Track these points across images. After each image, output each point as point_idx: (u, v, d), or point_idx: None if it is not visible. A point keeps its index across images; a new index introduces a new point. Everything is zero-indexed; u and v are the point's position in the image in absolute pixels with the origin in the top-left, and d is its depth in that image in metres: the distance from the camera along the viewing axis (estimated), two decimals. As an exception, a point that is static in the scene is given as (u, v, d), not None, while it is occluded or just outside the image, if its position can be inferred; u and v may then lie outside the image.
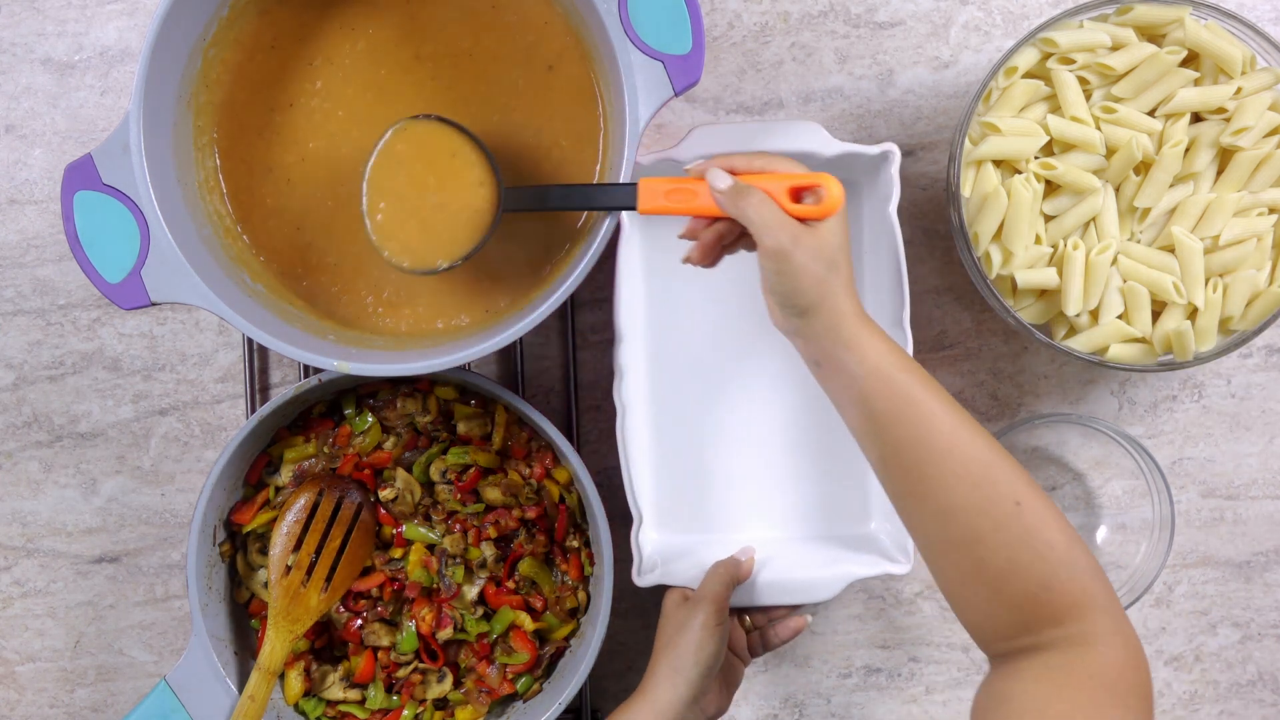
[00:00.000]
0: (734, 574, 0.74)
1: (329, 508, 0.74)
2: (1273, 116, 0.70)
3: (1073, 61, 0.71)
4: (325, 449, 0.76)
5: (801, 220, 0.61)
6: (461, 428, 0.75)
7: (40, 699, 0.84)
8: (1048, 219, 0.73)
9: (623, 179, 0.65)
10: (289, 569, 0.73)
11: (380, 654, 0.75)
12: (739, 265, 0.82)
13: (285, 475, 0.76)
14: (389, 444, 0.76)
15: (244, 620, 0.77)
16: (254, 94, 0.71)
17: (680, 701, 0.69)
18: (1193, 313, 0.72)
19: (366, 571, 0.76)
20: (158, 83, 0.66)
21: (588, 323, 0.82)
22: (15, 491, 0.83)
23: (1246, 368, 0.82)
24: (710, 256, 0.66)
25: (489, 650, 0.76)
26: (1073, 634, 0.56)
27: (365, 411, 0.76)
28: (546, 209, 0.67)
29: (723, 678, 0.74)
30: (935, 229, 0.81)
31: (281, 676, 0.75)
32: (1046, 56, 0.72)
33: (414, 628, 0.75)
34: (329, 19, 0.71)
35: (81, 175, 0.65)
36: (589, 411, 0.82)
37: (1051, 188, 0.73)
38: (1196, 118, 0.72)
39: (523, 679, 0.76)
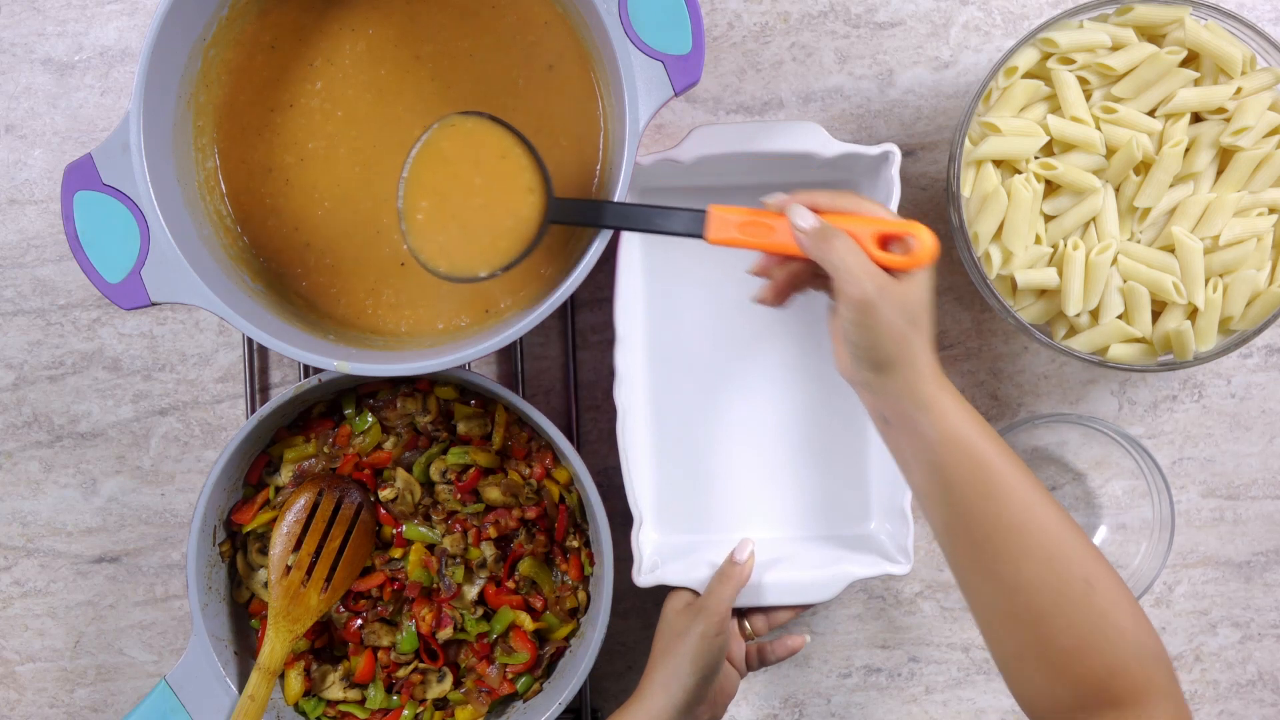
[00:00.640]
0: (739, 584, 0.73)
1: (329, 508, 0.74)
2: (1273, 116, 0.70)
3: (1073, 61, 0.71)
4: (325, 449, 0.76)
5: (887, 269, 0.58)
6: (461, 428, 0.75)
7: (40, 699, 0.84)
8: (1048, 219, 0.73)
9: (622, 179, 0.65)
10: (289, 569, 0.73)
11: (380, 654, 0.75)
12: (739, 265, 0.82)
13: (285, 475, 0.76)
14: (389, 444, 0.76)
15: (244, 620, 0.77)
16: (254, 94, 0.71)
17: (675, 709, 0.69)
18: (1193, 313, 0.72)
19: (366, 571, 0.76)
20: (158, 83, 0.66)
21: (588, 323, 0.82)
22: (15, 491, 0.83)
23: (1246, 368, 0.82)
24: (783, 297, 0.64)
25: (489, 650, 0.76)
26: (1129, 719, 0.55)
27: (365, 411, 0.76)
28: (599, 226, 0.64)
29: (717, 686, 0.74)
30: (935, 229, 0.81)
31: (281, 676, 0.75)
32: (1046, 56, 0.72)
33: (414, 628, 0.75)
34: (329, 19, 0.71)
35: (81, 175, 0.65)
36: (589, 411, 0.82)
37: (1051, 188, 0.73)
38: (1196, 118, 0.72)
39: (523, 679, 0.76)
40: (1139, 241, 0.73)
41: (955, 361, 0.82)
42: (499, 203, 0.64)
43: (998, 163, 0.73)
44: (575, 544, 0.76)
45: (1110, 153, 0.72)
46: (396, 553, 0.76)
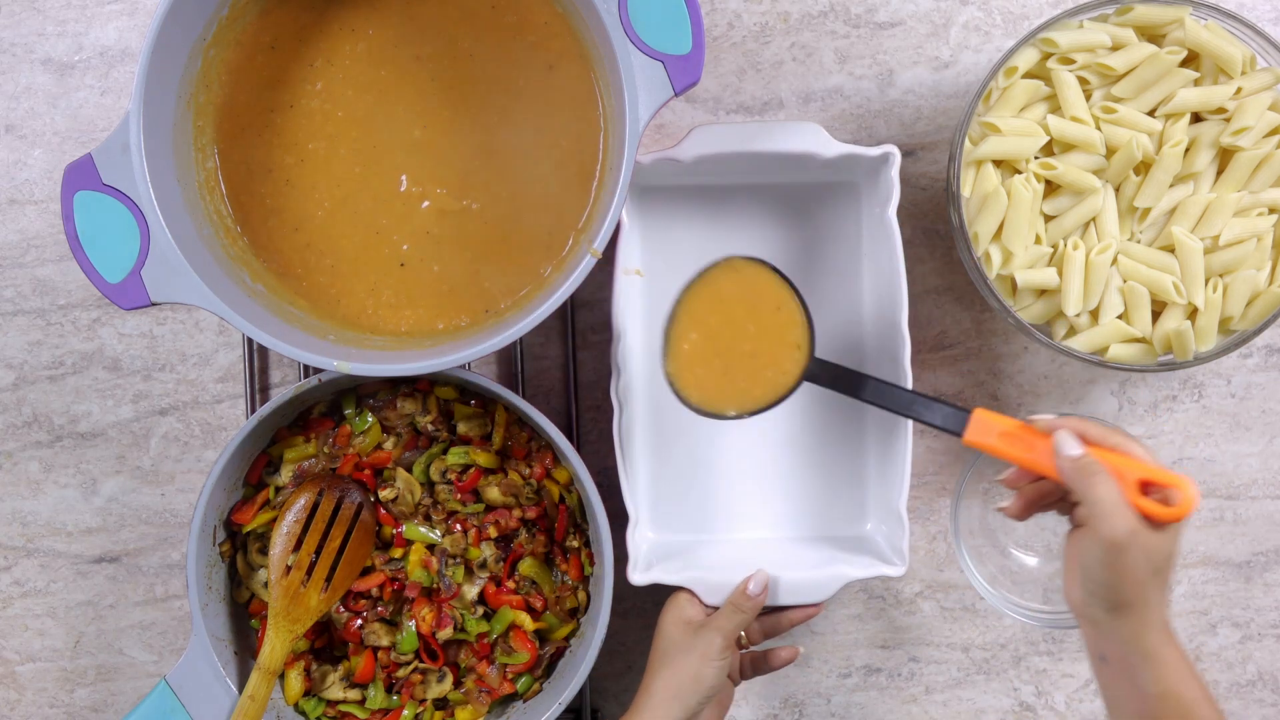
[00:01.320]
0: (749, 618, 0.72)
1: (329, 508, 0.74)
2: (1273, 116, 0.70)
3: (1073, 61, 0.71)
4: (325, 449, 0.76)
5: (1144, 514, 0.59)
6: (461, 428, 0.75)
7: (40, 699, 0.84)
8: (1048, 219, 0.73)
9: (623, 179, 0.65)
10: (289, 569, 0.73)
11: (380, 654, 0.75)
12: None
13: (285, 475, 0.76)
14: (389, 444, 0.76)
15: (244, 620, 0.77)
16: (254, 95, 0.71)
17: None
18: (1193, 313, 0.72)
19: (366, 571, 0.76)
20: (158, 83, 0.66)
21: (588, 323, 0.82)
22: (15, 491, 0.83)
23: (1246, 368, 0.82)
24: (1028, 513, 0.65)
25: (489, 650, 0.76)
26: None
27: (365, 411, 0.76)
28: (855, 397, 0.66)
29: (714, 700, 0.73)
30: (935, 229, 0.81)
31: (281, 676, 0.75)
32: (1046, 56, 0.72)
33: (414, 628, 0.75)
34: (329, 20, 0.71)
35: (81, 175, 0.65)
36: (589, 411, 0.82)
37: (1051, 188, 0.73)
38: (1196, 118, 0.72)
39: (523, 679, 0.76)
40: (1139, 241, 0.73)
41: (955, 361, 0.82)
42: (765, 353, 0.68)
43: (998, 163, 0.73)
44: (575, 544, 0.76)
45: (1110, 153, 0.72)
46: (396, 553, 0.76)
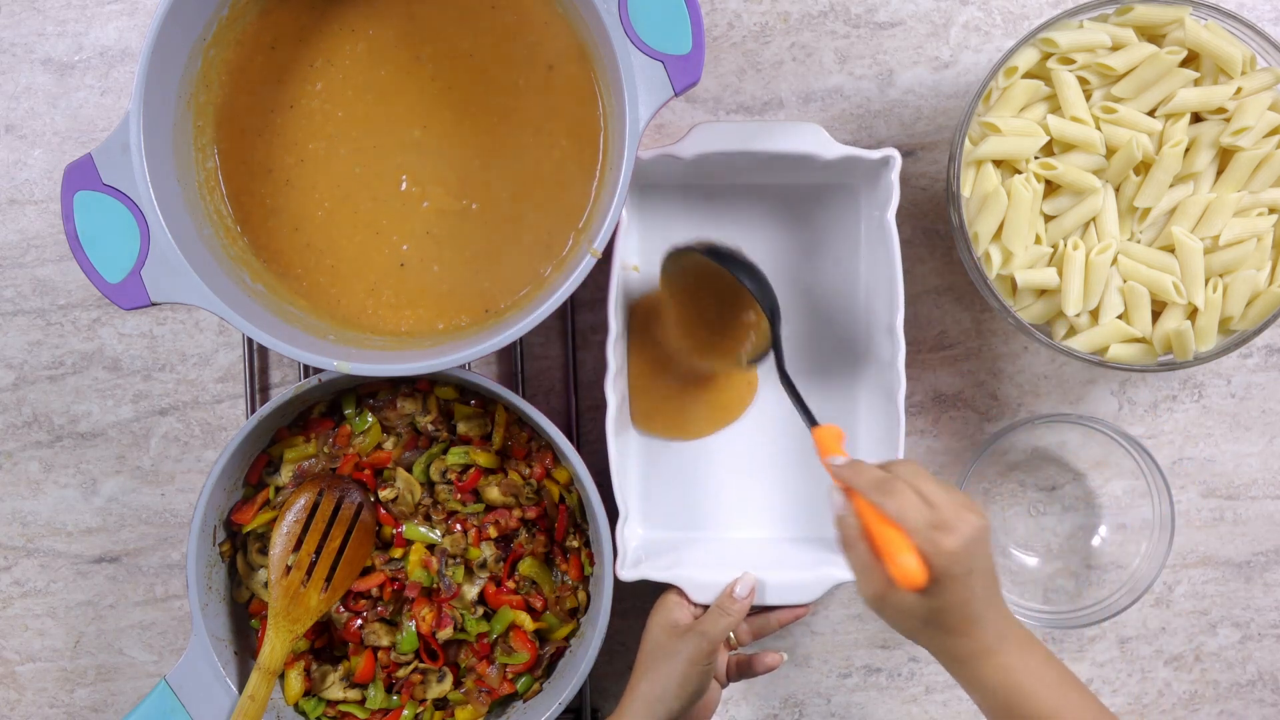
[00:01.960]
0: (736, 620, 0.72)
1: (329, 508, 0.74)
2: (1273, 116, 0.70)
3: (1073, 61, 0.71)
4: (325, 449, 0.76)
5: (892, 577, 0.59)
6: (461, 428, 0.75)
7: (40, 699, 0.84)
8: (1048, 219, 0.73)
9: (623, 179, 0.65)
10: (289, 569, 0.73)
11: (380, 654, 0.75)
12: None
13: (285, 475, 0.76)
14: (389, 444, 0.76)
15: (244, 620, 0.77)
16: (254, 95, 0.71)
17: None
18: (1193, 313, 0.72)
19: (366, 571, 0.76)
20: (158, 83, 0.66)
21: (588, 323, 0.82)
22: (15, 491, 0.83)
23: (1246, 368, 0.82)
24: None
25: (489, 650, 0.76)
26: None
27: (365, 411, 0.76)
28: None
29: (700, 702, 0.73)
30: (935, 229, 0.81)
31: (281, 676, 0.75)
32: (1046, 56, 0.72)
33: (414, 628, 0.75)
34: (329, 20, 0.71)
35: (81, 175, 0.65)
36: (589, 411, 0.82)
37: (1051, 188, 0.73)
38: (1196, 118, 0.72)
39: (523, 679, 0.76)
40: (1139, 241, 0.73)
41: (955, 361, 0.82)
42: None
43: (998, 163, 0.72)
44: (575, 544, 0.76)
45: (1110, 153, 0.72)
46: (396, 553, 0.76)
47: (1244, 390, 0.83)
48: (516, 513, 0.75)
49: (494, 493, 0.75)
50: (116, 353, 0.82)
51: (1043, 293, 0.74)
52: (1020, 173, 0.72)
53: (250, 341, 0.82)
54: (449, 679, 0.76)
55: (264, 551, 0.75)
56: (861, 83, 0.81)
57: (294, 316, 0.70)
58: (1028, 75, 0.72)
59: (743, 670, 0.76)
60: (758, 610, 0.76)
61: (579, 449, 0.80)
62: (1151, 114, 0.72)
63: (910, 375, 0.80)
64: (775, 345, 0.72)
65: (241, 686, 0.73)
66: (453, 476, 0.75)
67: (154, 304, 0.66)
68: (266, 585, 0.75)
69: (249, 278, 0.70)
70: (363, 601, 0.76)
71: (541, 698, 0.76)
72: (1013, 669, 0.60)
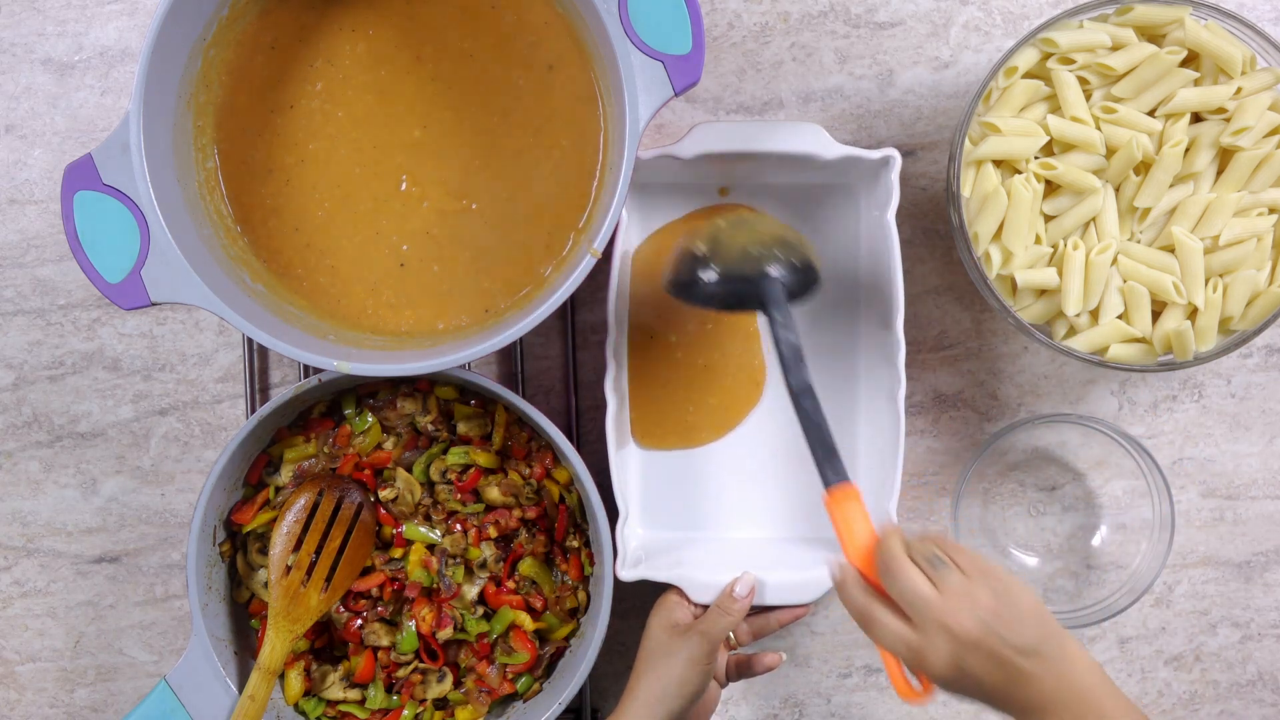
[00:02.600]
0: (735, 620, 0.72)
1: (329, 508, 0.74)
2: (1273, 116, 0.70)
3: (1073, 61, 0.71)
4: (325, 449, 0.76)
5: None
6: (461, 428, 0.75)
7: (40, 699, 0.84)
8: (1048, 219, 0.73)
9: (623, 179, 0.65)
10: (289, 569, 0.73)
11: (380, 654, 0.75)
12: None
13: (285, 475, 0.76)
14: (389, 444, 0.76)
15: (244, 620, 0.77)
16: (254, 95, 0.71)
17: None
18: (1193, 313, 0.72)
19: (366, 571, 0.76)
20: (158, 83, 0.66)
21: (588, 322, 0.82)
22: (15, 491, 0.83)
23: (1246, 368, 0.82)
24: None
25: (489, 650, 0.76)
26: None
27: (365, 411, 0.76)
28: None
29: (700, 702, 0.73)
30: (935, 229, 0.81)
31: (281, 676, 0.75)
32: (1046, 56, 0.72)
33: (414, 628, 0.75)
34: (329, 20, 0.71)
35: (81, 175, 0.65)
36: (589, 411, 0.82)
37: (1051, 188, 0.73)
38: (1196, 118, 0.72)
39: (523, 679, 0.76)
40: (1139, 241, 0.73)
41: (955, 361, 0.82)
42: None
43: (998, 163, 0.73)
44: (575, 544, 0.76)
45: (1110, 153, 0.72)
46: (396, 553, 0.76)
47: (1244, 390, 0.83)
48: (516, 513, 0.75)
49: (494, 493, 0.75)
50: (116, 353, 0.82)
51: (1043, 293, 0.74)
52: (1020, 173, 0.72)
53: (250, 341, 0.81)
54: (449, 679, 0.76)
55: (264, 551, 0.75)
56: (861, 83, 0.81)
57: (294, 316, 0.70)
58: (1028, 75, 0.72)
59: (742, 670, 0.76)
60: (758, 610, 0.76)
61: (579, 449, 0.80)
62: (1151, 114, 0.72)
63: (910, 375, 0.80)
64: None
65: (241, 686, 0.73)
66: (453, 476, 0.75)
67: (154, 304, 0.66)
68: (266, 585, 0.75)
69: (249, 278, 0.70)
70: (363, 601, 0.76)
71: (541, 698, 0.76)
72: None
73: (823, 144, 0.74)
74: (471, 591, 0.75)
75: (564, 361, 0.82)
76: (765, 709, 0.84)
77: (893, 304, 0.74)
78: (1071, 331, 0.74)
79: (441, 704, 0.76)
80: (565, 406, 0.82)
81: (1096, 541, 0.83)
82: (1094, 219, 0.73)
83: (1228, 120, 0.71)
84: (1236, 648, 0.84)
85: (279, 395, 0.72)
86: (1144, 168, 0.72)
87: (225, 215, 0.71)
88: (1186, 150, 0.72)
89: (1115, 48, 0.71)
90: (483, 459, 0.75)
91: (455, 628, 0.75)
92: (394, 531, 0.76)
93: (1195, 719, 0.84)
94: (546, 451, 0.76)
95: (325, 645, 0.77)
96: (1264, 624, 0.84)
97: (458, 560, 0.75)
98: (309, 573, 0.73)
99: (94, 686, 0.84)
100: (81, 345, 0.82)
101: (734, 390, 0.80)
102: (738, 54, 0.80)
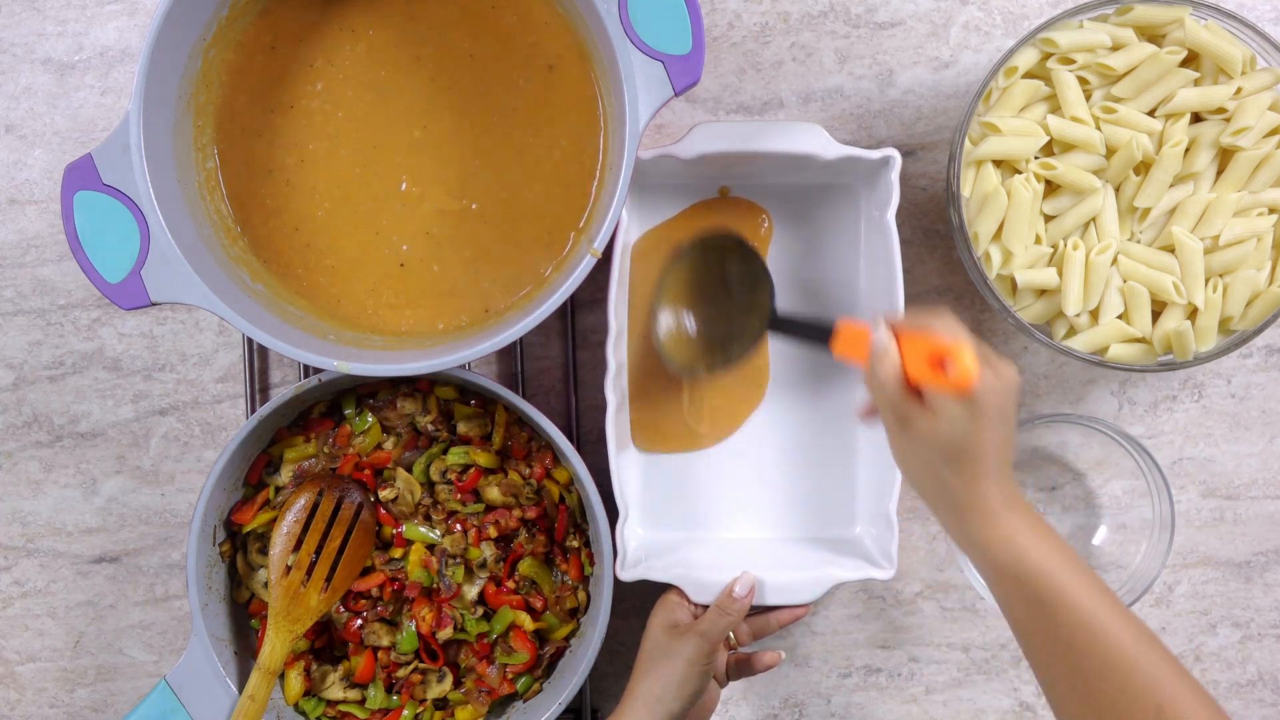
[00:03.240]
0: (735, 620, 0.72)
1: (329, 508, 0.74)
2: (1273, 116, 0.70)
3: (1073, 61, 0.71)
4: (325, 449, 0.76)
5: (939, 390, 0.59)
6: (461, 428, 0.75)
7: (40, 699, 0.84)
8: (1048, 219, 0.73)
9: (623, 179, 0.65)
10: (289, 569, 0.73)
11: (380, 654, 0.75)
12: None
13: (285, 475, 0.76)
14: (389, 444, 0.76)
15: (244, 620, 0.77)
16: (254, 95, 0.71)
17: None
18: (1193, 313, 0.72)
19: (366, 571, 0.76)
20: (158, 83, 0.66)
21: (588, 323, 0.82)
22: (15, 491, 0.83)
23: (1246, 368, 0.82)
24: (868, 418, 0.69)
25: (489, 650, 0.76)
26: None
27: (365, 411, 0.76)
28: (777, 331, 0.72)
29: (699, 702, 0.73)
30: (935, 229, 0.81)
31: (281, 676, 0.75)
32: (1046, 56, 0.72)
33: (414, 628, 0.75)
34: (329, 20, 0.71)
35: (81, 175, 0.65)
36: (589, 411, 0.82)
37: (1051, 188, 0.73)
38: (1196, 118, 0.72)
39: (523, 679, 0.76)
40: (1139, 241, 0.73)
41: (955, 361, 0.82)
42: (736, 319, 0.76)
43: (998, 163, 0.73)
44: (575, 544, 0.76)
45: (1110, 153, 0.72)
46: (396, 553, 0.76)
47: (1244, 390, 0.83)
48: (516, 513, 0.75)
49: (494, 493, 0.75)
50: (116, 353, 0.82)
51: (1043, 293, 0.74)
52: (1020, 173, 0.72)
53: (250, 341, 0.82)
54: (449, 679, 0.76)
55: (264, 551, 0.75)
56: (861, 83, 0.81)
57: (294, 316, 0.70)
58: (1028, 75, 0.72)
59: (741, 670, 0.76)
60: (758, 610, 0.76)
61: (579, 449, 0.80)
62: (1151, 114, 0.72)
63: (909, 375, 0.80)
64: (771, 302, 0.72)
65: (241, 686, 0.73)
66: (453, 476, 0.75)
67: (154, 304, 0.66)
68: (266, 585, 0.75)
69: (249, 278, 0.70)
70: (363, 601, 0.76)
71: (541, 698, 0.76)
72: (1019, 534, 0.59)
73: (823, 144, 0.74)
74: (471, 591, 0.75)
75: (564, 361, 0.82)
76: (765, 709, 0.84)
77: (893, 304, 0.74)
78: (1071, 331, 0.74)
79: (441, 704, 0.76)
80: (565, 406, 0.82)
81: (1096, 541, 0.83)
82: (1094, 219, 0.73)
83: (1228, 120, 0.71)
84: (1236, 648, 0.84)
85: (279, 395, 0.72)
86: (1144, 168, 0.72)
87: (225, 215, 0.71)
88: (1186, 150, 0.72)
89: (1115, 48, 0.71)
90: (483, 459, 0.75)
91: (455, 628, 0.75)
92: (394, 531, 0.76)
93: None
94: (546, 451, 0.76)
95: (325, 645, 0.77)
96: (1264, 624, 0.84)
97: (458, 560, 0.75)
98: (309, 573, 0.73)
99: (94, 686, 0.84)
100: (81, 345, 0.82)
101: (735, 390, 0.80)
102: (738, 54, 0.80)
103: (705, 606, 0.74)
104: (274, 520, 0.74)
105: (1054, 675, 0.58)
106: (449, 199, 0.72)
